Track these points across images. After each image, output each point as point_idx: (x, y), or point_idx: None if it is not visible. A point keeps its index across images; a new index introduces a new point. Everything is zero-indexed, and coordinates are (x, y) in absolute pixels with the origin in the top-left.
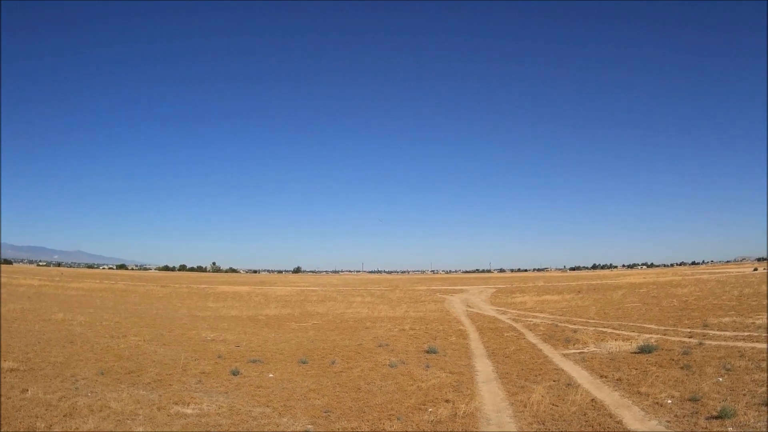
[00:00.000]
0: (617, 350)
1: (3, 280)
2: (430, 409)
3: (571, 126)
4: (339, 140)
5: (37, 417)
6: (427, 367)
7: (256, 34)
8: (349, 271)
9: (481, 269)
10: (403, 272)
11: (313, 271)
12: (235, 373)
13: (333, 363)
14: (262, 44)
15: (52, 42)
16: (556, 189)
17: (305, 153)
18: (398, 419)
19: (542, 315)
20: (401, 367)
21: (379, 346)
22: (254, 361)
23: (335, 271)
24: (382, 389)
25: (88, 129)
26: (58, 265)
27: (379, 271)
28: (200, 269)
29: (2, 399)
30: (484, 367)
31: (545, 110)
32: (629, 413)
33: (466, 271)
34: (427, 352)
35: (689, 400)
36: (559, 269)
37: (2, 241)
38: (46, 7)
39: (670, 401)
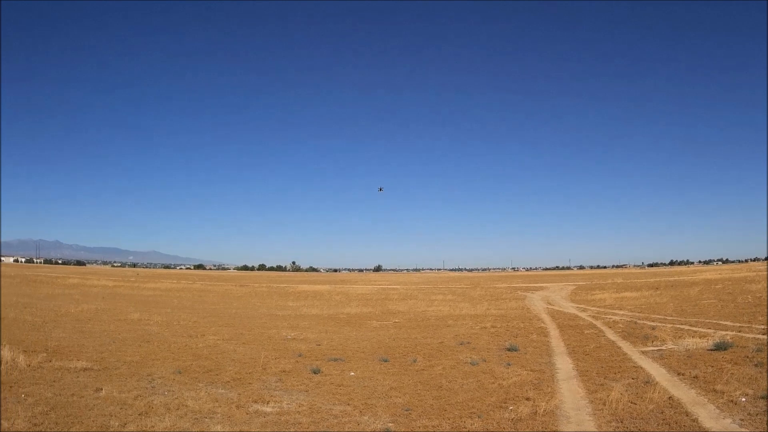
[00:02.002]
0: (694, 347)
1: (74, 281)
2: (510, 407)
3: (649, 119)
4: (418, 137)
5: (111, 416)
6: (508, 364)
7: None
8: (430, 269)
9: (560, 266)
10: (484, 270)
11: (393, 270)
12: (315, 371)
13: (414, 361)
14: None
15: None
16: (634, 185)
17: (384, 150)
18: (479, 417)
19: (621, 312)
20: (482, 365)
21: (460, 344)
22: (335, 360)
23: (416, 270)
24: (463, 387)
25: (162, 127)
26: (133, 265)
27: (460, 269)
28: (280, 269)
29: (74, 398)
30: (564, 365)
31: (628, 103)
32: (704, 411)
33: (546, 269)
34: (508, 349)
35: (763, 398)
36: (637, 266)
37: (73, 243)
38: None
39: (743, 399)
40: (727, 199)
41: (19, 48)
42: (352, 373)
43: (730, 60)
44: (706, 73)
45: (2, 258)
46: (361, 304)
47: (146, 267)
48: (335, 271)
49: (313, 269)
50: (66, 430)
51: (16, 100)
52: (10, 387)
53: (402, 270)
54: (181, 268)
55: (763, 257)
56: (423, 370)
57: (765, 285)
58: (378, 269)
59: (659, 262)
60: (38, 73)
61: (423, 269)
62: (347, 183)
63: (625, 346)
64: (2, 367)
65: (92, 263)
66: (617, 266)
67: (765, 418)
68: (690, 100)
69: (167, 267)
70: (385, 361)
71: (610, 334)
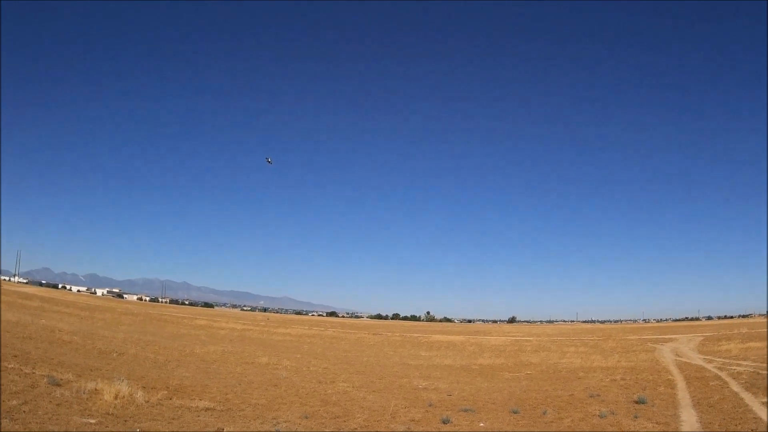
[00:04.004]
0: None
1: (202, 322)
2: None
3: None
4: (552, 190)
5: None
6: (636, 417)
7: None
8: (563, 321)
9: (689, 317)
10: (616, 321)
11: (527, 321)
12: (445, 421)
13: (544, 413)
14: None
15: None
16: (758, 229)
17: (513, 203)
18: None
19: (745, 363)
20: (610, 417)
21: (591, 396)
22: (466, 410)
23: (550, 321)
24: None
25: (293, 183)
26: (264, 310)
27: (592, 321)
28: (414, 318)
29: None
30: (688, 417)
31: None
32: None
33: (676, 320)
34: (636, 402)
35: None
36: (762, 315)
37: (203, 285)
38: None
39: None
40: None
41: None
42: (482, 424)
43: None
44: None
45: (124, 296)
46: (494, 355)
47: (277, 312)
48: (469, 321)
49: (447, 319)
50: None
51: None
52: (125, 421)
53: (536, 321)
54: (313, 315)
55: None
56: (552, 422)
57: None
58: (512, 320)
59: None
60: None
61: (556, 321)
62: (482, 234)
63: (747, 398)
64: (117, 401)
65: (222, 306)
66: (743, 315)
67: None
68: None
69: (299, 313)
70: (516, 412)
71: (734, 386)
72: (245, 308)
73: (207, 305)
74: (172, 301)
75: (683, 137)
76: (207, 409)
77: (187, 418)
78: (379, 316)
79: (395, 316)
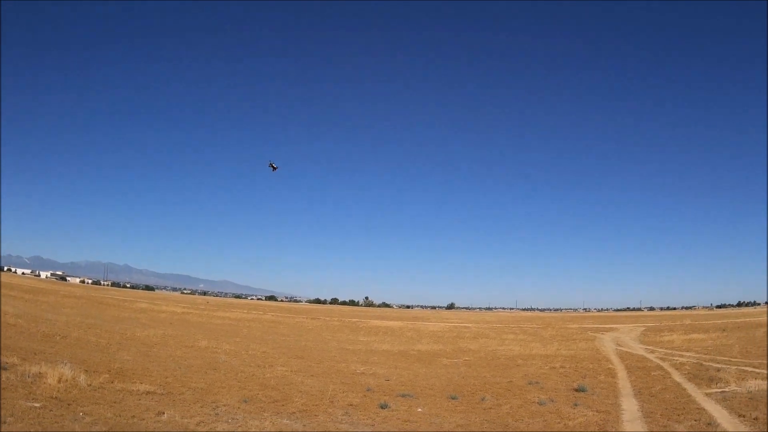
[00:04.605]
0: (756, 389)
1: (143, 305)
2: None
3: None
4: (491, 178)
5: None
6: (576, 405)
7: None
8: (503, 309)
9: (631, 307)
10: (556, 310)
11: (466, 308)
12: (383, 406)
13: (483, 399)
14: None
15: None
16: (704, 226)
17: (455, 191)
18: None
19: (688, 354)
20: (550, 405)
21: (530, 383)
22: (404, 396)
23: (489, 308)
24: (529, 426)
25: (231, 160)
26: (204, 293)
27: (532, 309)
28: (352, 303)
29: (134, 420)
30: (630, 406)
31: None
32: None
33: (617, 310)
34: (576, 390)
35: None
36: (706, 307)
37: (144, 268)
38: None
39: None
40: None
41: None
42: (420, 410)
43: None
44: None
45: (67, 278)
46: (432, 341)
47: (217, 296)
48: (408, 307)
49: (386, 305)
50: None
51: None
52: (69, 405)
53: (475, 308)
54: (252, 299)
55: None
56: (491, 408)
57: None
58: (451, 307)
59: (727, 304)
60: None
61: (496, 308)
62: (423, 220)
63: (690, 388)
64: (60, 384)
65: (162, 289)
66: (687, 307)
67: None
68: None
69: (238, 296)
70: (454, 398)
71: (677, 376)
72: (185, 291)
73: (148, 288)
74: (114, 284)
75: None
76: (148, 393)
77: (129, 402)
78: (317, 301)
79: (334, 301)
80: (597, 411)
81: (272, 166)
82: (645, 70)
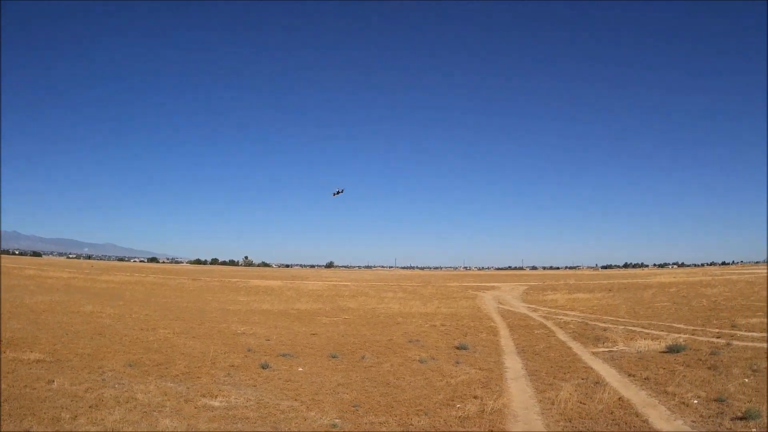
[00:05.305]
0: (646, 349)
1: (31, 272)
2: (458, 405)
3: (605, 128)
4: (371, 134)
5: (63, 408)
6: (457, 363)
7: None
8: (382, 267)
9: (513, 267)
10: (436, 268)
11: (345, 266)
12: (264, 366)
13: (363, 358)
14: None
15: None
16: (589, 187)
17: (337, 147)
18: (426, 415)
19: (573, 313)
20: (431, 363)
21: (410, 341)
22: (284, 355)
23: (368, 267)
24: (411, 385)
25: (117, 123)
26: (89, 257)
27: (411, 267)
28: (233, 263)
29: (27, 390)
30: (513, 364)
31: (574, 107)
32: (655, 412)
33: (499, 269)
34: (458, 348)
35: (715, 400)
36: (591, 267)
37: (31, 234)
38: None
39: (696, 401)
40: (682, 203)
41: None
42: (301, 369)
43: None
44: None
45: None
46: (312, 300)
47: (101, 259)
48: (287, 266)
49: (265, 264)
50: (18, 422)
51: None
52: None
53: (354, 267)
54: (135, 261)
55: (720, 262)
56: (371, 367)
57: (721, 290)
58: (330, 266)
59: (613, 265)
60: None
61: (375, 266)
62: (301, 179)
63: (576, 347)
64: None
65: (49, 254)
66: (570, 267)
67: (716, 420)
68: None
69: (122, 260)
70: (334, 357)
71: (561, 335)
72: (71, 256)
73: (36, 254)
74: (2, 252)
75: None
76: (38, 361)
77: (21, 372)
78: (198, 261)
79: (214, 261)
80: (480, 369)
81: (338, 192)
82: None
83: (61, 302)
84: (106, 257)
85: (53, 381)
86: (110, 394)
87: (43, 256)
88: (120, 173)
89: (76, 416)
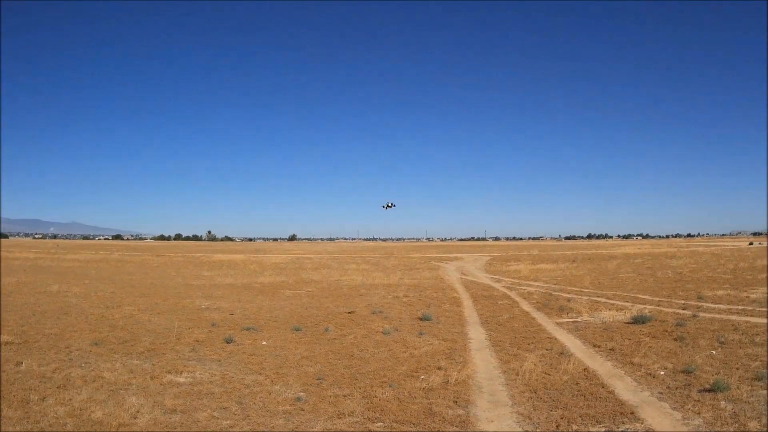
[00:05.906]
0: (611, 320)
1: None
2: (422, 377)
3: (568, 98)
4: (333, 107)
5: (31, 389)
6: (421, 334)
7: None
8: (345, 239)
9: (476, 237)
10: (399, 240)
11: (308, 239)
12: (228, 341)
13: (326, 330)
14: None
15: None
16: (553, 158)
17: (298, 121)
18: (390, 386)
19: (537, 284)
20: (395, 334)
21: (373, 313)
22: (248, 329)
23: (331, 239)
24: (374, 356)
25: (80, 101)
26: (54, 237)
27: (374, 239)
28: (196, 238)
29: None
30: (477, 335)
31: (548, 84)
32: (621, 383)
33: (462, 239)
34: (421, 319)
35: (682, 372)
36: (555, 238)
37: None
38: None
39: (662, 372)
40: (647, 174)
41: None
42: (265, 343)
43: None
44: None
45: None
46: (275, 273)
47: (67, 238)
48: (250, 240)
49: (228, 239)
50: None
51: None
52: None
53: (317, 239)
54: (100, 239)
55: (685, 234)
56: (335, 339)
57: (686, 261)
58: (293, 239)
59: (577, 236)
60: None
61: (338, 239)
62: (263, 153)
63: (540, 318)
64: None
65: (15, 236)
66: (534, 238)
67: (684, 392)
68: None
69: (86, 238)
70: (298, 330)
71: (525, 306)
72: (37, 236)
73: (2, 236)
74: None
75: None
76: (7, 344)
77: None
78: (162, 237)
79: (177, 237)
80: (443, 340)
81: (389, 205)
82: None
83: (28, 283)
84: (71, 236)
85: (21, 363)
86: (77, 374)
87: (10, 237)
88: (83, 151)
89: (44, 397)
